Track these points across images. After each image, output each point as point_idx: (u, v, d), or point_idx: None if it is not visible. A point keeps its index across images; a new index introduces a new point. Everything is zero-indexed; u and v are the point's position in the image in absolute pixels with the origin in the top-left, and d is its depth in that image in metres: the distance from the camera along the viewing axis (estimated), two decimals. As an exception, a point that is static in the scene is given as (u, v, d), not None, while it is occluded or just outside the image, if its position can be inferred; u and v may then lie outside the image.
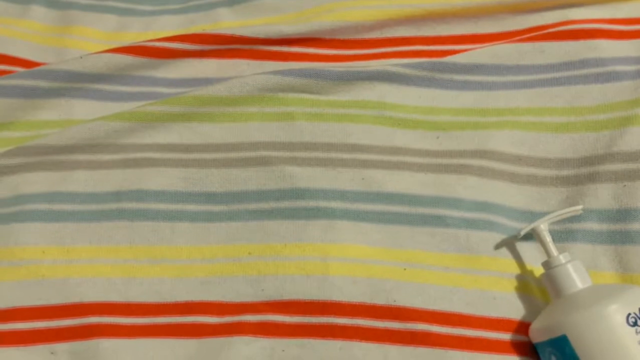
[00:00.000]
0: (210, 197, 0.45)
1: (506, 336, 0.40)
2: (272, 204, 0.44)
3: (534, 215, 0.43)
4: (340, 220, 0.43)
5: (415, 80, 0.48)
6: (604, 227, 0.42)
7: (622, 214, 0.42)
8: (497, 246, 0.42)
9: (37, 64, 0.51)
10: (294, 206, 0.44)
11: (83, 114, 0.48)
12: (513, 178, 0.44)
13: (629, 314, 0.34)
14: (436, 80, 0.48)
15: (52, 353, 0.41)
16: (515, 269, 0.42)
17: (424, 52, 0.50)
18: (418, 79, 0.48)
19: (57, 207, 0.44)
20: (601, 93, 0.46)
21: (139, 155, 0.46)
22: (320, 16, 0.51)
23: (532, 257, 0.42)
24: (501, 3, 0.50)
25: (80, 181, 0.45)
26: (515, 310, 0.40)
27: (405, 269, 0.42)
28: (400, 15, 0.50)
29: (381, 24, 0.51)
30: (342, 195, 0.44)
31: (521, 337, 0.40)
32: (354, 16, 0.50)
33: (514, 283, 0.41)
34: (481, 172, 0.44)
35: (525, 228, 0.41)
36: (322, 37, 0.51)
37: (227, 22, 0.54)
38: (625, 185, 0.42)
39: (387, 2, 0.52)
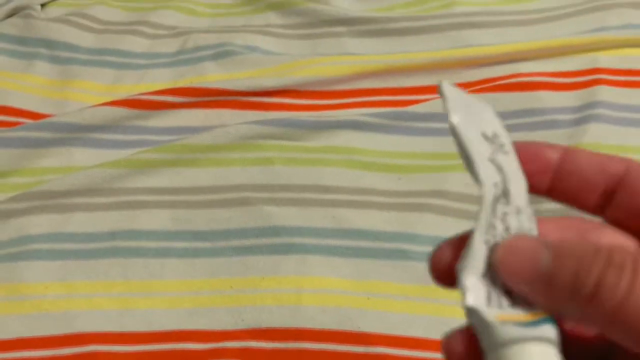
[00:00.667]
0: (196, 235, 0.50)
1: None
2: (251, 241, 0.49)
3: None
4: (313, 255, 0.48)
5: (380, 127, 0.54)
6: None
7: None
8: (452, 277, 0.47)
9: (40, 116, 0.57)
10: (272, 243, 0.49)
11: (82, 160, 0.54)
12: (466, 215, 0.50)
13: None
14: (399, 128, 0.54)
15: (54, 378, 0.45)
16: (467, 298, 0.47)
17: (389, 102, 0.56)
18: (383, 127, 0.54)
19: (58, 246, 0.49)
20: (542, 139, 0.51)
21: (132, 198, 0.51)
22: (296, 71, 0.57)
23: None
24: (457, 59, 0.56)
25: (79, 222, 0.50)
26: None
27: (369, 299, 0.47)
28: (366, 70, 0.56)
29: (350, 77, 0.56)
30: (314, 232, 0.49)
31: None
32: (325, 71, 0.56)
33: (466, 310, 0.46)
34: (438, 210, 0.50)
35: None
36: (298, 89, 0.56)
37: (213, 75, 0.60)
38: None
39: (354, 58, 0.58)
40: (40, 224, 0.50)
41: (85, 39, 0.61)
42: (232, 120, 0.55)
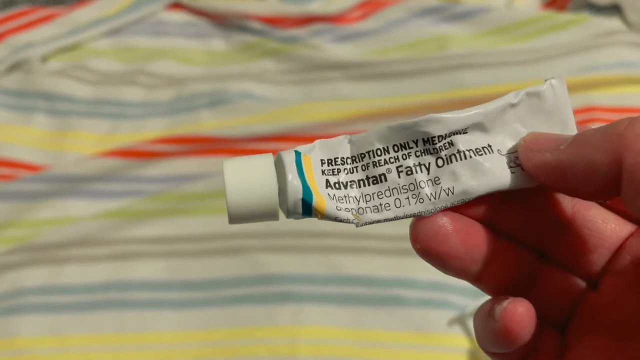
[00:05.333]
0: (189, 286, 0.49)
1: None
2: (246, 290, 0.49)
3: (482, 292, 0.47)
4: (308, 303, 0.48)
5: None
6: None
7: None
8: (450, 323, 0.46)
9: (38, 167, 0.57)
10: (266, 291, 0.48)
11: (78, 211, 0.54)
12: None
13: None
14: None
15: None
16: (466, 344, 0.46)
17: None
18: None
19: (52, 299, 0.49)
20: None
21: (126, 248, 0.51)
22: (290, 116, 0.58)
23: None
24: (451, 100, 0.56)
25: (73, 274, 0.50)
26: (465, 382, 0.44)
27: (366, 348, 0.46)
28: (361, 114, 0.56)
29: (345, 121, 0.57)
30: (310, 279, 0.49)
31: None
32: (320, 116, 0.56)
33: (465, 357, 0.45)
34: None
35: (469, 306, 0.45)
36: (293, 134, 0.57)
37: (208, 122, 0.60)
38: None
39: (349, 102, 0.58)
40: (34, 276, 0.50)
41: (83, 91, 0.62)
42: (227, 167, 0.55)
